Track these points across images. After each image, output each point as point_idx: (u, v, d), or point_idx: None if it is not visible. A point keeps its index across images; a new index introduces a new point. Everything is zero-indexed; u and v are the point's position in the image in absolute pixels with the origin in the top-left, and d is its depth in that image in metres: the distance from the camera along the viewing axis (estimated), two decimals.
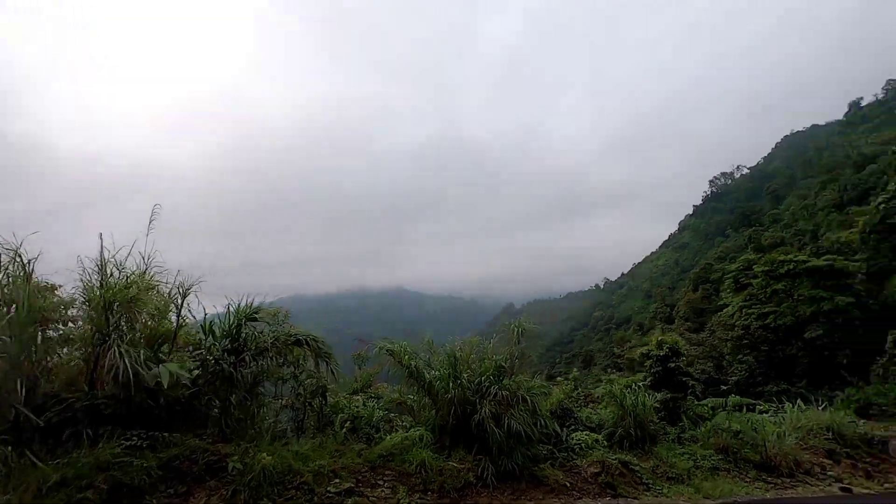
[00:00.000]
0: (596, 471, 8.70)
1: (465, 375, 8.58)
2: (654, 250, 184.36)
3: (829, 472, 14.14)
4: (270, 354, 7.48)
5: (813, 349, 31.40)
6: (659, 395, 12.55)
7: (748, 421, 14.02)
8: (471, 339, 9.50)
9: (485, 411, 7.98)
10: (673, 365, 13.76)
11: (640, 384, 12.52)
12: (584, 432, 10.50)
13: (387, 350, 8.69)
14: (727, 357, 35.24)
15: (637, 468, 9.57)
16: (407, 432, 8.06)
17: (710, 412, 14.50)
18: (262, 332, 7.80)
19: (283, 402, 8.62)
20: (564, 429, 10.48)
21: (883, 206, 34.87)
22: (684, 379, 13.81)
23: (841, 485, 12.39)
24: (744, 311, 35.13)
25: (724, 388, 30.81)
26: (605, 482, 8.56)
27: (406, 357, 8.57)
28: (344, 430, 8.17)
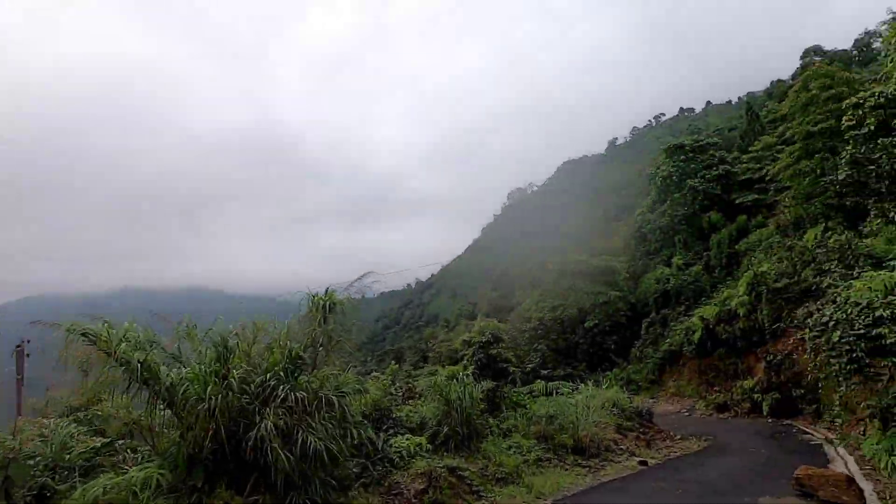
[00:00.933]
0: (421, 486, 6.63)
1: (238, 372, 5.55)
2: (460, 253, 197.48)
3: (622, 446, 14.84)
4: None
5: (591, 336, 35.53)
6: (484, 385, 11.21)
7: (556, 404, 13.83)
8: (256, 322, 6.53)
9: (267, 425, 5.13)
10: (494, 351, 12.72)
11: (465, 374, 10.97)
12: (405, 436, 8.41)
13: (82, 334, 5.02)
14: (524, 347, 37.85)
15: (466, 473, 7.82)
16: (124, 474, 4.71)
17: (526, 398, 13.89)
18: None
19: None
20: (381, 434, 8.23)
21: (639, 217, 41.64)
22: (504, 366, 12.87)
23: (637, 458, 12.86)
24: (539, 304, 38.16)
25: (545, 371, 32.61)
26: (433, 500, 6.54)
27: (122, 346, 5.04)
28: None
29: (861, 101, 11.32)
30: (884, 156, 10.07)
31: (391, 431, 8.46)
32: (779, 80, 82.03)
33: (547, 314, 36.60)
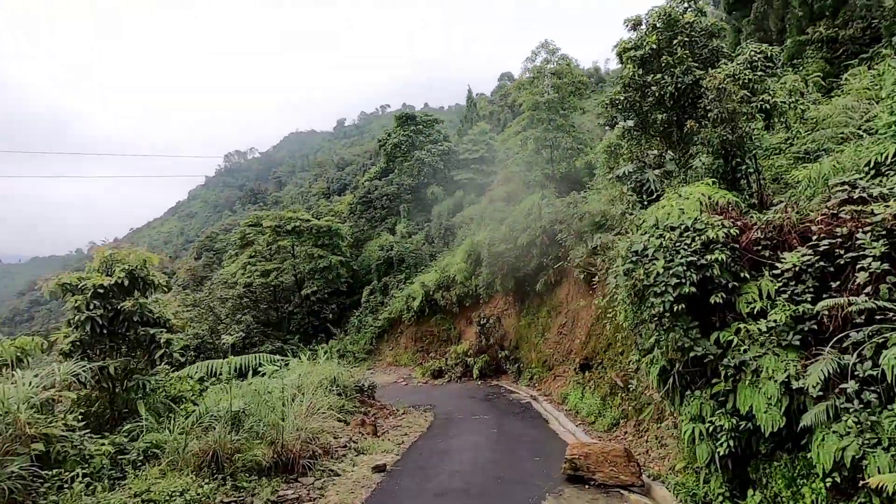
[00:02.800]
0: None
1: None
2: (158, 216, 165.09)
3: (345, 440, 10.59)
4: None
5: (308, 305, 30.74)
6: (76, 368, 4.91)
7: (250, 394, 8.50)
8: None
9: None
10: (130, 305, 6.41)
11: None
12: None
13: None
14: (224, 319, 30.15)
15: None
16: None
17: (197, 388, 8.00)
18: None
19: None
20: None
21: (367, 183, 39.10)
22: (152, 332, 6.70)
23: (369, 460, 8.74)
24: (248, 268, 31.00)
25: (222, 352, 25.55)
26: None
27: None
28: None
29: (639, 21, 9.55)
30: (666, 76, 8.25)
31: None
32: (481, 94, 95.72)
33: (257, 279, 29.90)
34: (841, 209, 5.47)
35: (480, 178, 35.41)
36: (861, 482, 3.95)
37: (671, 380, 6.32)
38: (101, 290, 6.27)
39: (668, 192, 7.62)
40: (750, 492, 5.61)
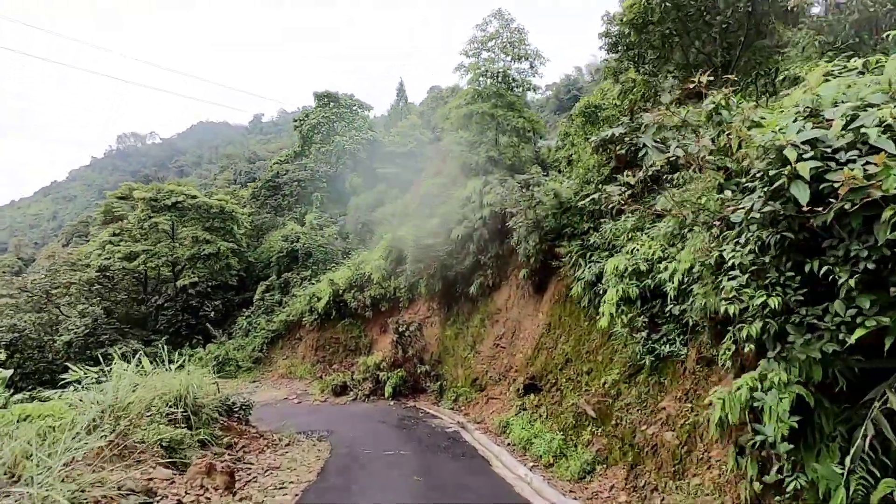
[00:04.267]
0: None
1: None
2: (27, 196, 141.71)
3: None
4: None
5: (184, 299, 24.38)
6: None
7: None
8: None
9: None
10: None
11: None
12: None
13: None
14: (67, 311, 22.84)
15: None
16: None
17: None
18: None
19: None
20: None
21: (276, 166, 33.69)
22: None
23: None
24: (107, 247, 24.02)
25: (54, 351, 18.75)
26: None
27: None
28: None
29: None
30: None
31: None
32: (411, 103, 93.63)
33: (117, 262, 23.12)
34: None
35: (407, 175, 31.63)
36: None
37: (871, 425, 2.81)
38: None
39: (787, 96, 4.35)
40: None
